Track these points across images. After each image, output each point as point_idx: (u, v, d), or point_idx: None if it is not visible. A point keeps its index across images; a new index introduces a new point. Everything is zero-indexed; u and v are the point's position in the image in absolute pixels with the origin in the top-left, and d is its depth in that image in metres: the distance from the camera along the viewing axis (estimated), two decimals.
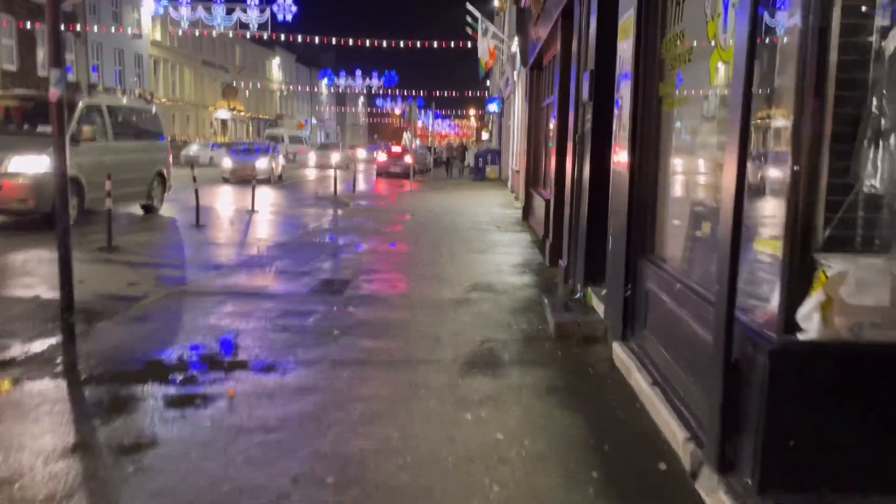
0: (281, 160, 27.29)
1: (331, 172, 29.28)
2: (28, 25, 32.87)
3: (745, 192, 2.91)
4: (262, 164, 24.31)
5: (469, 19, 26.36)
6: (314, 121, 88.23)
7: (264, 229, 12.51)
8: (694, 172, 4.33)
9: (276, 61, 74.65)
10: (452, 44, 29.24)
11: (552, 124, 11.10)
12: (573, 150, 6.99)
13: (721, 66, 3.59)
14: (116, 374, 4.51)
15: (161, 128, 14.07)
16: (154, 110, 14.14)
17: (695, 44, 4.05)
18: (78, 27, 36.24)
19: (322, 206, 17.64)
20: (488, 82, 64.31)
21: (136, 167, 12.72)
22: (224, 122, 60.37)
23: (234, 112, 60.70)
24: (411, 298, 6.94)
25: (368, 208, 16.62)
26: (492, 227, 13.14)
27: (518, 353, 5.16)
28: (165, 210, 14.10)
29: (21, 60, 34.86)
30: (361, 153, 54.35)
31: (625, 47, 5.14)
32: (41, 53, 36.29)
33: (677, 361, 3.91)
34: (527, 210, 13.90)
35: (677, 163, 4.58)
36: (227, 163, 24.91)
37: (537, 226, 12.01)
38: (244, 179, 22.62)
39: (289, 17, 29.51)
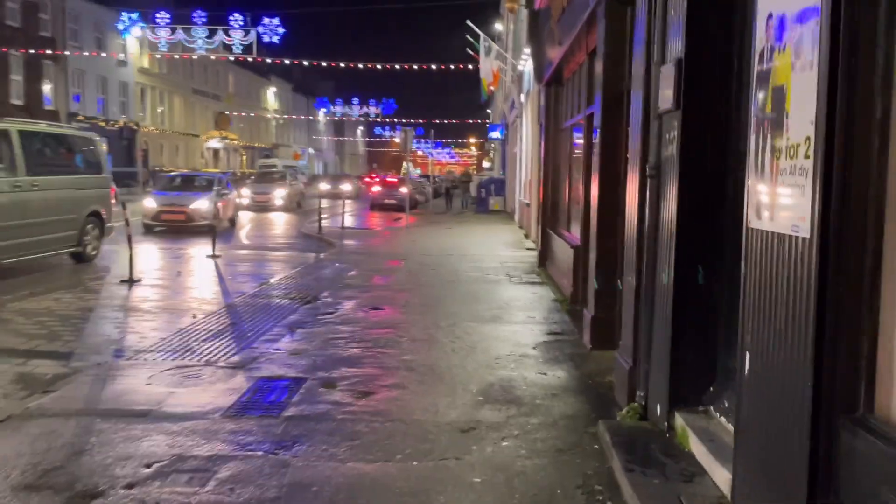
0: (234, 198, 19.93)
1: (277, 219, 22.82)
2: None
3: None
4: (199, 205, 16.66)
5: (470, 38, 24.22)
6: (311, 150, 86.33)
7: (214, 284, 9.98)
8: None
9: (271, 90, 72.86)
10: (452, 66, 27.08)
11: (580, 149, 8.68)
12: (640, 184, 4.51)
13: None
14: None
15: (101, 159, 11.63)
16: (94, 137, 11.71)
17: None
18: (56, 52, 34.11)
19: (301, 248, 15.16)
20: (489, 110, 62.80)
21: (62, 207, 10.26)
22: (216, 151, 58.30)
23: (227, 141, 58.64)
24: (390, 421, 4.40)
25: (355, 251, 14.13)
26: (502, 276, 10.64)
27: None
28: (106, 258, 11.60)
29: None
30: (324, 185, 40.87)
31: None
32: (15, 81, 34.22)
33: None
34: (544, 255, 11.41)
35: None
36: (149, 203, 17.01)
37: (560, 277, 9.52)
38: (175, 227, 16.62)
39: (275, 39, 27.35)
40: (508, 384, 5.16)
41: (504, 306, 8.21)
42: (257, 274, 10.97)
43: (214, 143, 57.33)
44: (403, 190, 22.81)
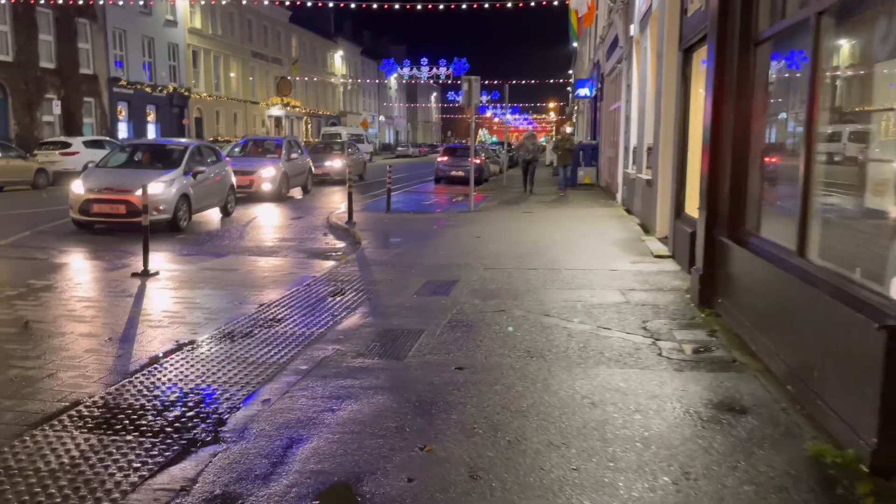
0: (230, 179, 14.06)
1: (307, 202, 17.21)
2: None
3: None
4: (153, 189, 10.45)
5: None
6: (382, 118, 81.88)
7: (51, 364, 5.15)
8: None
9: (338, 54, 68.55)
10: (532, 2, 21.46)
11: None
12: None
13: None
14: None
15: None
16: None
17: None
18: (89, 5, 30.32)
19: (307, 253, 10.23)
20: (570, 71, 56.46)
21: None
22: (278, 119, 54.49)
23: (289, 108, 54.71)
24: None
25: (382, 259, 9.12)
26: (635, 330, 5.40)
27: None
28: None
29: (17, 49, 29.27)
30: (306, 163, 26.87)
31: None
32: (44, 41, 30.75)
33: None
34: (711, 284, 6.05)
35: None
36: (76, 187, 11.29)
37: (792, 359, 4.20)
38: (115, 223, 10.97)
39: None
40: None
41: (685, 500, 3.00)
42: (184, 321, 6.09)
43: (276, 111, 53.52)
44: (473, 162, 17.46)
